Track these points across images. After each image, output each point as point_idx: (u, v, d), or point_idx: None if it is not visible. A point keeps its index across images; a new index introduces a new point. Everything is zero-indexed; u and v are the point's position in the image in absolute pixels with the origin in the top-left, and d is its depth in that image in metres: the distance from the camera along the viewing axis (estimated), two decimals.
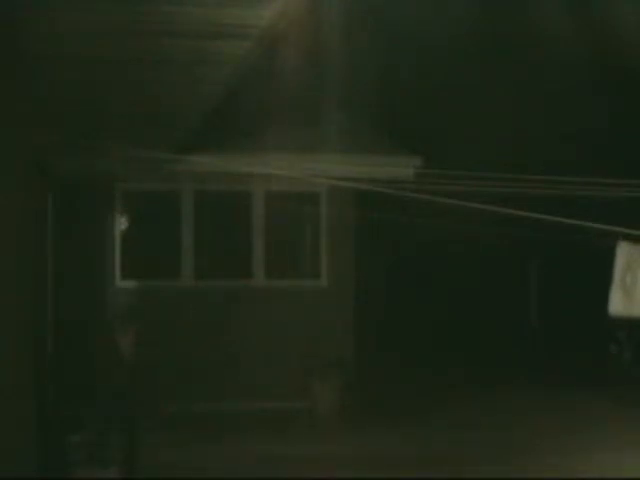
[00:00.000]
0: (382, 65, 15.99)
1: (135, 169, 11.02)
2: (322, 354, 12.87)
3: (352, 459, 10.14)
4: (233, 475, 9.08)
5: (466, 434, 11.48)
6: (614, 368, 16.53)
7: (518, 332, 19.68)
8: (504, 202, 6.97)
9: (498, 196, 8.26)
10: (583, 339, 17.67)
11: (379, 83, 15.53)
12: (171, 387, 12.08)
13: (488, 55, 18.23)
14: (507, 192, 8.98)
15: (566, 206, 8.84)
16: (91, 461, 8.30)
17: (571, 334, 18.41)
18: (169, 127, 8.66)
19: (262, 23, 5.33)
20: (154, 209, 13.14)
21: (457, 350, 17.79)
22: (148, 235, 13.12)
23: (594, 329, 16.00)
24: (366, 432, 11.63)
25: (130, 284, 12.71)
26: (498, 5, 17.08)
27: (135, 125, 8.58)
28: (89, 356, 10.88)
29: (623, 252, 8.24)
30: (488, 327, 18.98)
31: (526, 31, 17.52)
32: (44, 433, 8.32)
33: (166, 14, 5.20)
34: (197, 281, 13.01)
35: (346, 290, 13.47)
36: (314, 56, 12.66)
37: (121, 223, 12.98)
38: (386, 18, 15.85)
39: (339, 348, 13.09)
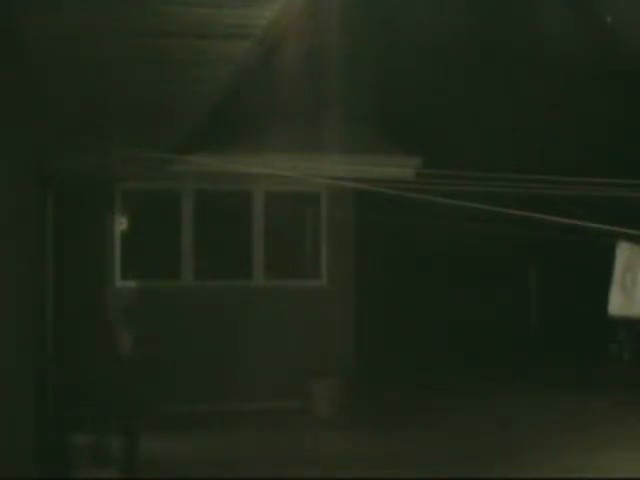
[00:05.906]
0: (382, 65, 15.97)
1: (135, 169, 11.02)
2: (322, 354, 12.86)
3: (351, 459, 10.14)
4: (233, 475, 9.08)
5: (464, 434, 11.49)
6: (614, 368, 16.52)
7: (518, 332, 19.66)
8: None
9: (505, 197, 8.25)
10: (583, 339, 17.65)
11: (379, 83, 15.52)
12: (170, 387, 12.08)
13: (488, 54, 18.23)
14: (508, 193, 8.98)
15: (566, 206, 8.85)
16: (91, 461, 8.31)
17: (571, 334, 18.40)
18: (169, 127, 8.65)
19: (263, 23, 5.33)
20: (154, 209, 13.14)
21: (457, 350, 17.78)
22: (148, 235, 13.11)
23: (594, 329, 15.99)
24: (365, 432, 11.63)
25: (130, 284, 12.70)
26: (498, 5, 17.09)
27: (135, 125, 8.58)
28: (89, 356, 10.88)
29: (623, 252, 8.24)
30: (488, 327, 18.96)
31: (526, 31, 17.53)
32: (44, 433, 8.33)
33: (166, 14, 5.20)
34: (197, 281, 13.01)
35: (346, 290, 13.47)
36: (314, 56, 12.66)
37: (121, 223, 12.98)
38: (386, 18, 15.85)
39: (339, 348, 13.09)
